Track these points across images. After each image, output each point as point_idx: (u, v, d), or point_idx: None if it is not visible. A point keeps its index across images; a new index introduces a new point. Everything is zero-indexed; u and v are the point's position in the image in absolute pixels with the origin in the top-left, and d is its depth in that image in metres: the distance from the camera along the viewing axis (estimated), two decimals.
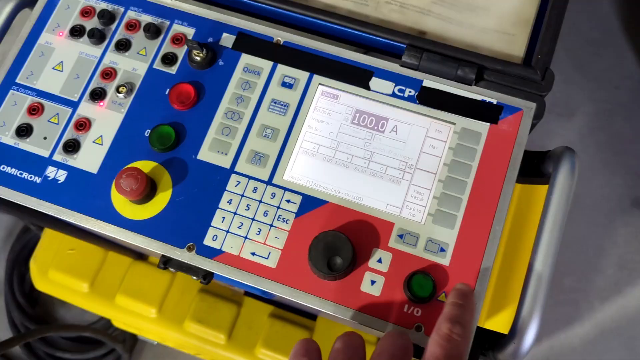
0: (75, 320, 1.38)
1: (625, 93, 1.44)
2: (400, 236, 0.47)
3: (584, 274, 1.31)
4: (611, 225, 1.35)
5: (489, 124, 0.49)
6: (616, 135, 1.41)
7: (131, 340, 1.23)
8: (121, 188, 0.47)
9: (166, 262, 0.48)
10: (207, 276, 0.48)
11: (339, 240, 0.45)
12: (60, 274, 0.84)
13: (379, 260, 0.46)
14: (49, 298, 1.40)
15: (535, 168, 0.54)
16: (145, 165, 0.50)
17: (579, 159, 0.51)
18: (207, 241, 0.48)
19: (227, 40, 0.54)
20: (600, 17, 1.49)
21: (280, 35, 0.54)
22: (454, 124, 0.50)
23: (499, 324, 0.74)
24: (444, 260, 0.46)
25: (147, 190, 0.48)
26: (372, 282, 0.46)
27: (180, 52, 0.53)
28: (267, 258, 0.47)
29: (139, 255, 0.85)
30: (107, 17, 0.54)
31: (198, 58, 0.52)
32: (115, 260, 0.84)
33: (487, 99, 0.50)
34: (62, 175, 0.50)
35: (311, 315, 0.82)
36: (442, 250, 0.46)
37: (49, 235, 0.86)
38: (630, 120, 1.41)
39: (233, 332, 0.81)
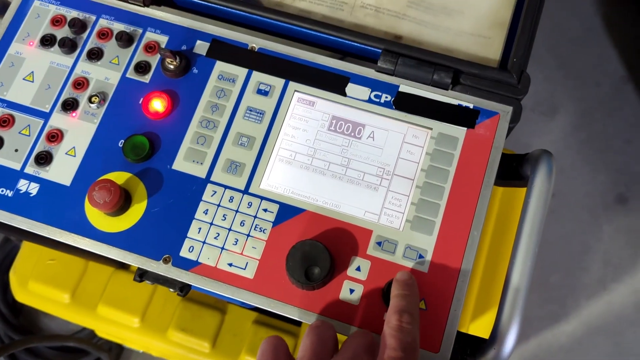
0: (60, 330, 1.36)
1: (607, 90, 1.45)
2: (379, 243, 0.47)
3: (569, 271, 1.32)
4: (595, 222, 1.36)
5: (465, 128, 0.49)
6: (599, 132, 1.42)
7: (117, 349, 1.22)
8: (94, 201, 0.46)
9: (142, 275, 0.47)
10: (184, 288, 0.47)
11: (317, 250, 0.45)
12: (41, 285, 0.83)
13: (358, 269, 0.46)
14: (32, 308, 1.38)
15: (514, 171, 0.53)
16: (120, 177, 0.49)
17: (556, 161, 0.50)
18: (184, 252, 0.47)
19: (201, 47, 0.53)
20: (582, 15, 1.50)
21: (255, 41, 0.53)
22: (431, 129, 0.50)
23: (483, 327, 0.74)
24: (423, 267, 0.46)
25: (121, 202, 0.47)
26: (351, 291, 0.45)
27: (154, 60, 0.53)
28: (244, 269, 0.47)
29: (121, 265, 0.83)
30: (79, 26, 0.53)
31: (172, 66, 0.51)
32: (97, 269, 0.83)
33: (464, 103, 0.50)
34: (34, 188, 0.49)
35: (296, 322, 0.81)
36: (421, 256, 0.46)
37: (28, 246, 0.85)
38: (612, 118, 1.43)
39: (217, 339, 0.80)
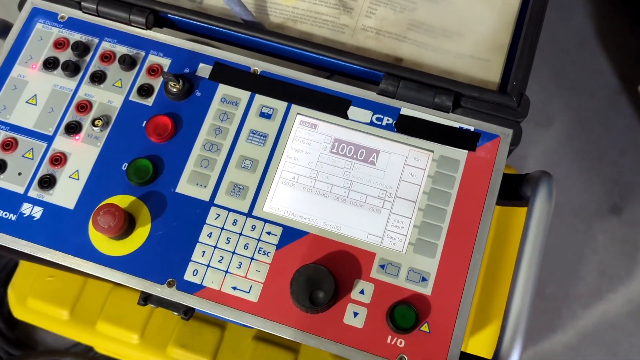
0: (56, 343, 1.35)
1: (601, 101, 1.46)
2: (382, 266, 0.47)
3: (565, 281, 1.33)
4: (590, 232, 1.37)
5: (467, 151, 0.50)
6: (593, 142, 1.43)
7: None
8: (99, 225, 0.46)
9: (146, 299, 0.47)
10: (188, 312, 0.47)
11: (321, 274, 0.45)
12: (40, 301, 0.83)
13: (361, 292, 0.46)
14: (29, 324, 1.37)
15: (514, 191, 0.54)
16: (123, 200, 0.49)
17: (551, 171, 0.51)
18: (188, 276, 0.47)
19: (204, 70, 0.53)
20: (575, 26, 1.52)
21: (258, 64, 0.53)
22: (433, 151, 0.50)
23: (482, 342, 0.74)
24: (426, 290, 0.46)
25: (126, 226, 0.47)
26: (355, 314, 0.46)
27: (157, 83, 0.53)
28: (248, 292, 0.47)
29: None
30: (82, 49, 0.54)
31: (174, 89, 0.52)
32: (96, 286, 0.83)
33: (465, 126, 0.51)
34: (37, 212, 0.49)
35: None
36: (424, 279, 0.47)
37: (27, 263, 0.85)
38: (607, 128, 1.44)
39: (217, 356, 0.80)
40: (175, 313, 0.47)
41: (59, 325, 0.83)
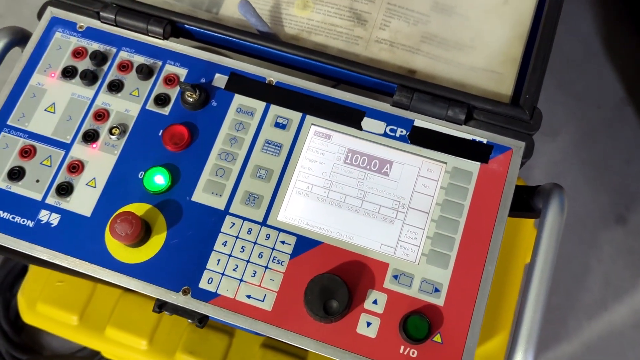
0: (62, 348, 1.36)
1: (607, 111, 1.47)
2: (395, 277, 0.47)
3: (570, 291, 1.33)
4: (596, 242, 1.37)
5: (479, 163, 0.50)
6: (599, 153, 1.43)
7: None
8: (116, 233, 0.47)
9: (161, 306, 0.48)
10: (202, 319, 0.48)
11: (335, 284, 0.46)
12: (49, 306, 0.83)
13: (375, 302, 0.47)
14: (34, 326, 1.38)
15: (525, 203, 0.55)
16: (139, 208, 0.50)
17: (557, 181, 0.52)
18: (203, 284, 0.48)
19: (220, 80, 0.54)
20: (581, 36, 1.53)
21: (273, 75, 0.54)
22: (446, 163, 0.51)
23: (490, 351, 0.74)
24: (439, 301, 0.47)
25: (142, 234, 0.48)
26: (368, 324, 0.46)
27: (173, 92, 0.54)
28: (262, 301, 0.47)
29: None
30: (100, 58, 0.55)
31: (191, 99, 0.52)
32: (105, 291, 0.83)
33: (477, 138, 0.51)
34: (55, 219, 0.50)
35: None
36: (437, 290, 0.47)
37: (37, 268, 0.85)
38: (613, 138, 1.44)
39: None
40: (190, 320, 0.48)
41: (68, 331, 0.83)
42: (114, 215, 0.49)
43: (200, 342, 0.81)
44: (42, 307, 0.83)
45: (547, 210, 0.49)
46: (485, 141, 0.51)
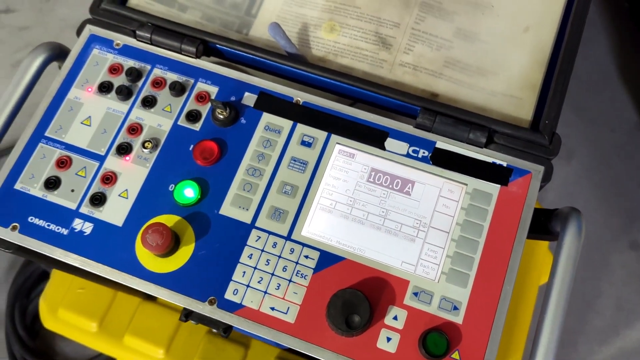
0: (75, 355, 1.37)
1: (622, 135, 1.48)
2: (415, 294, 0.49)
3: (582, 315, 1.33)
4: (608, 266, 1.37)
5: (499, 185, 0.52)
6: (613, 177, 1.44)
7: None
8: (147, 243, 0.49)
9: (188, 315, 0.50)
10: (227, 329, 0.49)
11: (357, 299, 0.47)
12: (70, 313, 0.85)
13: (395, 318, 0.48)
14: (49, 332, 1.39)
15: (542, 225, 0.56)
16: (169, 219, 0.52)
17: (585, 219, 0.53)
18: (228, 295, 0.49)
19: (249, 99, 0.56)
20: (597, 60, 1.54)
21: (300, 95, 0.56)
22: (466, 184, 0.52)
23: None
24: (457, 319, 0.48)
25: (172, 244, 0.50)
26: (388, 339, 0.48)
27: (204, 109, 0.56)
28: (285, 313, 0.49)
29: (148, 296, 0.86)
30: (135, 75, 0.57)
31: (221, 116, 0.55)
32: (124, 300, 0.85)
33: (498, 161, 0.53)
34: (88, 228, 0.52)
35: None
36: (456, 308, 0.48)
37: (59, 275, 0.87)
38: (627, 163, 1.45)
39: None
40: (215, 330, 0.49)
41: (87, 337, 0.85)
42: (145, 226, 0.51)
43: (217, 352, 0.82)
44: (63, 313, 0.85)
45: (565, 234, 0.51)
46: (505, 164, 0.53)
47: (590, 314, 1.32)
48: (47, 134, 0.56)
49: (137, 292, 0.84)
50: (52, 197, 0.53)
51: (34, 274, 1.39)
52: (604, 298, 1.34)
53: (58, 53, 0.61)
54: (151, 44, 0.58)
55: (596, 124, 1.48)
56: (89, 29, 0.60)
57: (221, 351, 0.83)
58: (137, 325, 0.84)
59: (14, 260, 1.46)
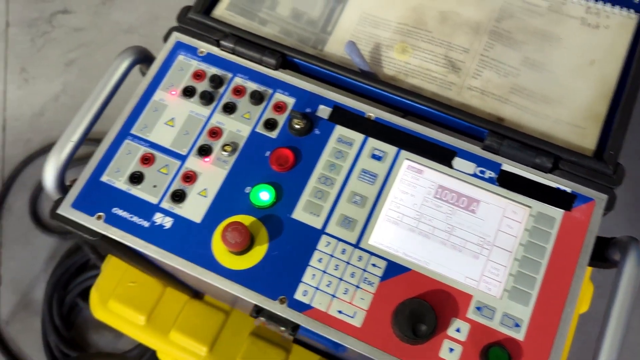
0: (107, 347, 1.41)
1: None
2: (478, 308, 0.51)
3: (633, 348, 1.31)
4: None
5: (563, 210, 0.54)
6: None
7: None
8: (227, 240, 0.51)
9: (258, 312, 0.52)
10: (295, 328, 0.52)
11: (424, 308, 0.49)
12: (120, 305, 0.88)
13: (458, 330, 0.50)
14: (83, 323, 1.43)
15: (599, 253, 0.57)
16: (244, 220, 0.55)
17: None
18: (298, 296, 0.52)
19: (323, 111, 0.59)
20: None
21: (372, 111, 0.59)
22: (530, 207, 0.54)
23: None
24: (519, 335, 0.50)
25: (248, 243, 0.52)
26: (451, 350, 0.49)
27: (281, 118, 0.59)
28: (352, 317, 0.51)
29: (195, 294, 0.88)
30: (217, 82, 0.60)
31: (298, 126, 0.58)
32: (173, 296, 0.88)
33: (562, 187, 0.55)
34: (168, 222, 0.55)
35: None
36: (517, 325, 0.50)
37: (112, 266, 0.91)
38: None
39: None
40: (283, 328, 0.52)
41: (134, 329, 0.88)
42: (225, 224, 0.54)
43: (259, 354, 0.85)
44: (113, 304, 0.89)
45: (625, 262, 0.52)
46: (569, 190, 0.55)
47: None
48: (133, 131, 0.59)
49: (186, 289, 0.87)
50: (136, 191, 0.57)
51: (72, 267, 1.44)
52: None
53: (143, 57, 0.65)
54: (233, 53, 0.62)
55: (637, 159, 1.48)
56: (176, 36, 0.63)
57: (263, 354, 0.85)
58: (184, 322, 0.87)
59: (55, 251, 1.51)
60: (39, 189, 1.57)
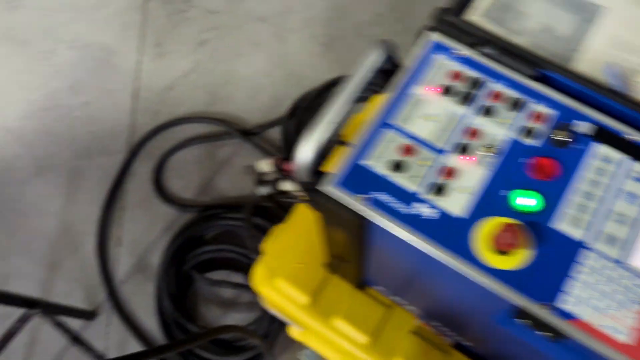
0: (213, 322, 1.45)
1: None
2: None
3: None
4: None
5: None
6: None
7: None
8: (501, 239, 0.53)
9: (519, 313, 0.53)
10: (558, 335, 0.53)
11: None
12: (285, 282, 0.91)
13: None
14: (192, 295, 1.48)
15: None
16: (510, 222, 0.56)
17: None
18: (561, 304, 0.53)
19: (582, 127, 0.60)
20: None
21: (631, 133, 0.60)
22: None
23: None
24: None
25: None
26: None
27: (540, 128, 0.60)
28: (621, 333, 0.52)
29: (360, 286, 0.91)
30: (476, 84, 0.62)
31: (561, 138, 0.59)
32: (339, 284, 0.90)
33: None
34: (426, 210, 0.57)
35: None
36: None
37: (279, 244, 0.94)
38: None
39: None
40: (544, 333, 0.53)
41: (296, 308, 0.91)
42: (491, 222, 0.55)
43: (420, 353, 0.86)
44: (278, 281, 0.92)
45: None
46: None
47: None
48: (392, 121, 0.62)
49: (352, 279, 0.89)
50: (396, 178, 0.59)
51: (184, 244, 1.48)
52: None
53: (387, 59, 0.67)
54: (493, 59, 0.64)
55: None
56: (432, 36, 0.66)
57: (425, 354, 0.86)
58: (348, 309, 0.89)
59: (171, 222, 1.56)
60: (163, 159, 1.63)
